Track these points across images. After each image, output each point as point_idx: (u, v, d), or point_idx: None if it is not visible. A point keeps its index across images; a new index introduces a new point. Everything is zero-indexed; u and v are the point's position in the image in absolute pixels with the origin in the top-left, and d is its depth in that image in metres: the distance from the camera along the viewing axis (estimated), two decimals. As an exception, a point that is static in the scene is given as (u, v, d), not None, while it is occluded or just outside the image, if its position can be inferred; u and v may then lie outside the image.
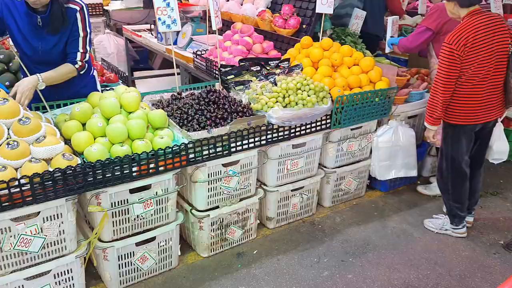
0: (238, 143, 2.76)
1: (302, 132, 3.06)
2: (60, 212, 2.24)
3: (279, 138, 2.96)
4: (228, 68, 3.33)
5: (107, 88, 3.36)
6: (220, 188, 2.82)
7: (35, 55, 2.62)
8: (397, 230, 3.31)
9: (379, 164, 3.56)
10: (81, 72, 2.68)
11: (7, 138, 2.18)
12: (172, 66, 6.05)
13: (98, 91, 3.05)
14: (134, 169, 2.38)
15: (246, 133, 2.77)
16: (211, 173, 2.73)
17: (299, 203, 3.32)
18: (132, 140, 2.46)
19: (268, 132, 2.88)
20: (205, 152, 2.63)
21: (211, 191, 2.79)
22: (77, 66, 2.64)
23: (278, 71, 3.41)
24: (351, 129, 3.39)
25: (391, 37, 4.06)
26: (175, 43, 4.95)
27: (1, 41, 2.76)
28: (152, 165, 2.43)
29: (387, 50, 4.09)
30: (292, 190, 3.22)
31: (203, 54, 4.28)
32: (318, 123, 3.13)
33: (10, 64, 3.29)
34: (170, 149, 2.45)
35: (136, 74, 7.07)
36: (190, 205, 2.84)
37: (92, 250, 2.43)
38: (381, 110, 3.43)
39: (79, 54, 2.64)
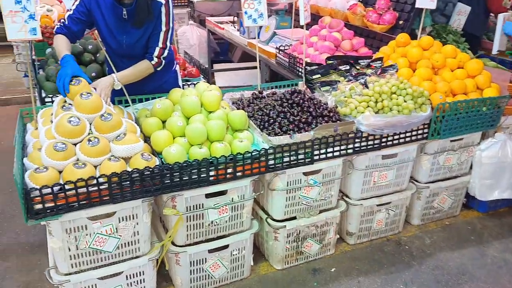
0: (322, 151, 2.52)
1: (395, 141, 2.74)
2: (135, 213, 2.17)
3: (368, 147, 2.67)
4: (315, 67, 3.08)
5: (188, 83, 3.28)
6: (299, 198, 2.61)
7: (120, 48, 2.58)
8: (499, 259, 2.87)
9: (481, 182, 3.12)
10: (158, 69, 2.60)
11: (89, 134, 2.13)
12: (252, 60, 5.90)
13: (180, 86, 2.97)
14: (212, 173, 2.24)
15: (331, 140, 2.52)
16: (290, 181, 2.53)
17: (385, 219, 3.01)
18: (211, 142, 2.32)
19: (356, 140, 2.60)
20: (286, 159, 2.42)
21: (289, 200, 2.58)
22: (153, 62, 2.56)
23: (369, 71, 3.10)
24: (451, 141, 2.99)
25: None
26: (257, 36, 4.78)
27: (89, 32, 2.75)
28: (230, 170, 2.28)
29: (496, 49, 3.57)
30: (377, 205, 2.91)
31: (286, 49, 4.06)
32: (414, 133, 2.79)
33: (98, 55, 3.32)
34: (250, 155, 2.28)
35: (216, 66, 7.06)
36: (266, 213, 2.66)
37: (165, 253, 2.35)
38: (488, 121, 2.98)
39: (157, 50, 2.55)
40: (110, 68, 2.72)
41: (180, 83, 2.99)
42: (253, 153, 2.30)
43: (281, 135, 2.44)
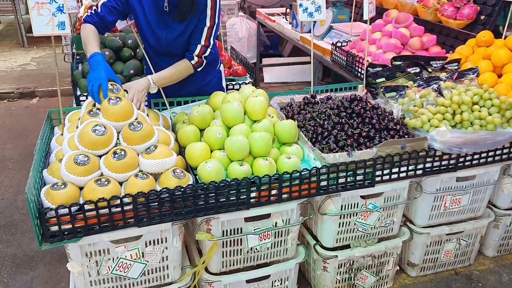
0: (385, 171, 2.12)
1: (474, 161, 2.28)
2: (165, 237, 1.89)
3: (441, 168, 2.23)
4: (378, 68, 2.66)
5: (233, 83, 2.97)
6: (354, 224, 2.23)
7: (158, 44, 2.30)
8: None
9: None
10: (198, 69, 2.30)
11: (116, 145, 1.87)
12: (303, 54, 5.46)
13: (223, 88, 2.65)
14: (253, 194, 1.91)
15: (397, 159, 2.11)
16: (345, 205, 2.16)
17: (454, 250, 2.56)
18: (254, 157, 1.99)
19: (428, 159, 2.18)
20: (341, 180, 2.05)
21: (342, 226, 2.21)
22: (193, 62, 2.26)
23: (443, 75, 2.64)
24: (544, 161, 2.48)
25: None
26: (311, 30, 4.38)
27: (129, 25, 2.48)
28: (274, 192, 1.94)
29: None
30: (447, 234, 2.47)
31: (344, 46, 3.64)
32: (498, 152, 2.31)
33: (137, 51, 3.09)
34: (298, 174, 1.93)
35: (265, 61, 6.73)
36: (315, 238, 2.31)
37: (197, 281, 2.06)
38: None
39: (198, 48, 2.24)
40: (148, 67, 2.45)
41: (224, 84, 2.68)
42: (302, 173, 1.94)
43: (336, 151, 2.06)
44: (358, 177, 2.08)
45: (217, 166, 1.88)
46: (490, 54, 2.67)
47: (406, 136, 2.20)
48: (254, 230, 2.03)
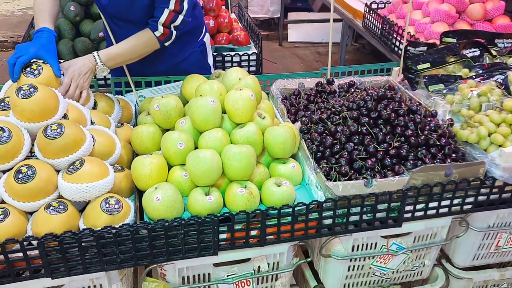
0: (420, 206, 1.49)
1: (549, 194, 1.61)
2: (99, 284, 1.36)
3: (501, 201, 1.57)
4: (422, 49, 1.94)
5: (232, 55, 2.32)
6: (370, 267, 1.63)
7: (110, 6, 1.67)
8: None
9: None
10: (166, 44, 1.66)
11: (28, 157, 1.31)
12: (336, 10, 4.67)
13: (208, 66, 2.01)
14: (223, 236, 1.34)
15: (438, 191, 1.47)
16: (357, 246, 1.55)
17: (503, 296, 1.95)
18: (230, 180, 1.40)
19: (482, 190, 1.52)
20: (354, 218, 1.44)
21: (352, 270, 1.62)
22: (157, 33, 1.63)
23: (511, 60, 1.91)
24: None
25: None
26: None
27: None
28: (254, 232, 1.36)
29: None
30: (496, 279, 1.85)
31: (381, 9, 2.87)
32: None
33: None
34: (290, 210, 1.33)
35: (291, 16, 5.93)
36: (317, 278, 1.73)
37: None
38: None
39: (165, 13, 1.60)
40: (108, 38, 1.84)
41: (210, 60, 2.03)
42: (296, 209, 1.34)
43: (349, 177, 1.43)
44: (379, 214, 1.45)
45: (169, 196, 1.29)
46: None
47: (454, 155, 1.53)
48: (227, 276, 1.47)
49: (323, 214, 1.40)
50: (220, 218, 1.30)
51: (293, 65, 4.85)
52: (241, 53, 2.37)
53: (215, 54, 2.34)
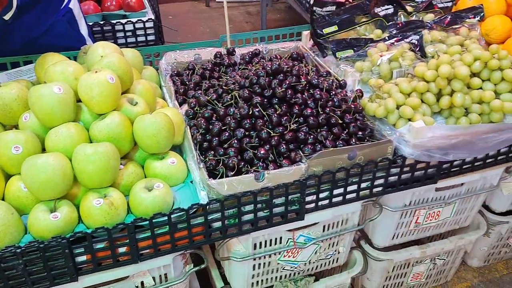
0: (323, 194, 1.30)
1: (466, 166, 1.47)
2: None
3: (414, 178, 1.41)
4: (329, 9, 1.70)
5: (123, 23, 2.00)
6: (277, 263, 1.45)
7: None
8: None
9: None
10: (6, 17, 1.32)
11: None
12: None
13: (81, 37, 1.69)
14: (81, 258, 1.09)
15: (343, 176, 1.28)
16: (260, 243, 1.36)
17: (427, 271, 1.85)
18: (88, 189, 1.13)
19: (392, 170, 1.34)
20: (248, 216, 1.23)
21: (259, 268, 1.44)
22: None
23: (428, 17, 1.71)
24: None
25: None
26: None
27: None
28: (123, 249, 1.12)
29: None
30: (418, 257, 1.73)
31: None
32: (503, 149, 1.48)
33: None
34: (166, 219, 1.10)
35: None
36: (224, 279, 1.54)
37: None
38: None
39: None
40: None
41: (84, 31, 1.70)
42: (173, 216, 1.11)
43: (238, 171, 1.21)
44: (278, 209, 1.25)
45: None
46: (503, -16, 1.71)
47: (361, 133, 1.34)
48: (102, 296, 1.24)
49: (210, 218, 1.18)
50: (72, 239, 1.04)
51: (221, 27, 4.51)
52: (134, 20, 2.04)
53: (102, 23, 2.00)
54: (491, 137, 1.34)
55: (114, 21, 2.02)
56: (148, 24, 2.07)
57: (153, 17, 2.11)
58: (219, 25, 4.56)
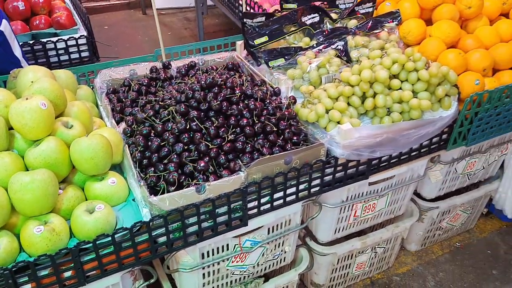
0: (264, 199, 1.36)
1: (393, 161, 1.59)
2: None
3: (347, 178, 1.51)
4: (259, 20, 1.77)
5: (54, 41, 1.96)
6: (227, 269, 1.51)
7: None
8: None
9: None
10: None
11: None
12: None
13: (15, 60, 1.66)
14: (27, 287, 1.08)
15: (281, 181, 1.35)
16: (207, 252, 1.40)
17: (369, 259, 1.97)
18: (27, 217, 1.12)
19: (326, 170, 1.43)
20: (192, 229, 1.27)
21: (208, 276, 1.48)
22: None
23: (352, 23, 1.83)
24: (480, 143, 1.86)
25: None
26: None
27: None
28: (68, 273, 1.12)
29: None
30: (359, 248, 1.85)
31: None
32: (425, 142, 1.62)
33: None
34: (110, 239, 1.12)
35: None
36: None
37: None
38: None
39: None
40: None
41: (18, 53, 1.66)
42: (116, 236, 1.13)
43: (179, 185, 1.24)
44: (221, 218, 1.30)
45: None
46: (415, -11, 1.86)
47: (296, 138, 1.41)
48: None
49: (154, 234, 1.20)
50: (14, 269, 1.04)
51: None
52: (65, 37, 2.01)
53: (32, 42, 1.95)
54: (412, 133, 1.47)
55: (44, 40, 1.98)
56: (81, 41, 2.05)
57: (85, 34, 2.09)
58: (157, 33, 4.52)
